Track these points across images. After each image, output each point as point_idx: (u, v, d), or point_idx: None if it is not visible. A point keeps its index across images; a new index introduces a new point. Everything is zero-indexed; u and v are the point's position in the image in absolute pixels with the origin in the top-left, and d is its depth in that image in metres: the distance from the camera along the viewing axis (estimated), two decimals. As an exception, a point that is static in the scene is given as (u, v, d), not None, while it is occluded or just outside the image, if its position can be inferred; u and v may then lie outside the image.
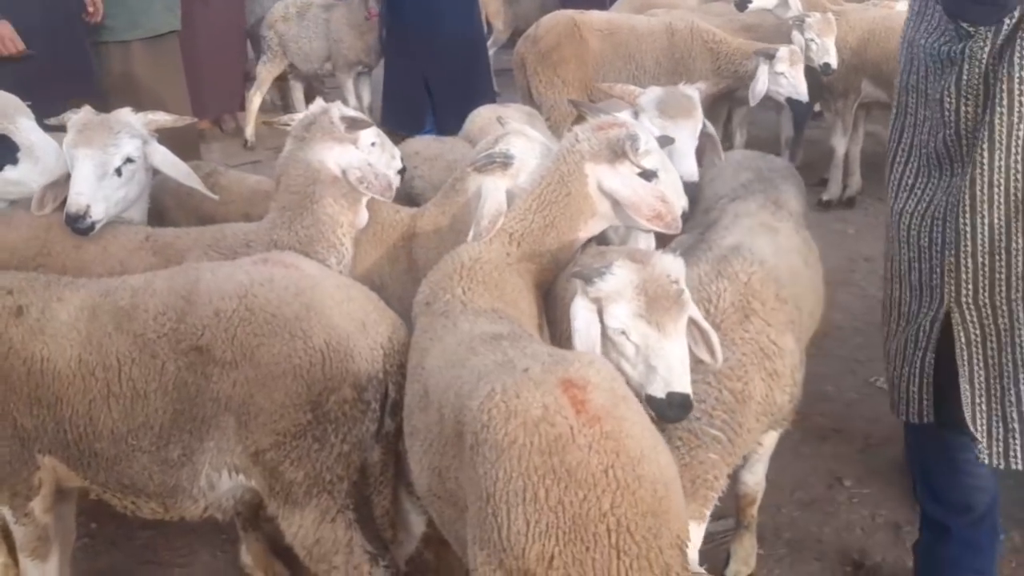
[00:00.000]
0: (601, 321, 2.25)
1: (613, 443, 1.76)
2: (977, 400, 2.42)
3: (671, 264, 2.31)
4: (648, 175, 2.63)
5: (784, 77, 5.42)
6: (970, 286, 2.36)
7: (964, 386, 2.41)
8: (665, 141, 3.10)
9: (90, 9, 5.18)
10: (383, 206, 2.99)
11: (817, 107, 7.15)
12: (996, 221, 2.30)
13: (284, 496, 2.43)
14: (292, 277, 2.43)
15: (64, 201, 2.87)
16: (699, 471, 2.40)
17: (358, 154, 2.83)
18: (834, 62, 5.59)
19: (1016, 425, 2.39)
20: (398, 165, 3.17)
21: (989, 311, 2.37)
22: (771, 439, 2.79)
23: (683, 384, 2.22)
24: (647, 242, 2.90)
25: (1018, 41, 2.19)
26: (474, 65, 6.85)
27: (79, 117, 2.95)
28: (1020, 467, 2.42)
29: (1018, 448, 2.41)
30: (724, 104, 6.51)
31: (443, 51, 6.63)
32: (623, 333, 2.25)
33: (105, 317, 2.44)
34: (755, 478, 2.86)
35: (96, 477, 2.50)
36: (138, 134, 3.00)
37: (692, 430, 2.39)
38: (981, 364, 2.41)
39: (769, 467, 3.67)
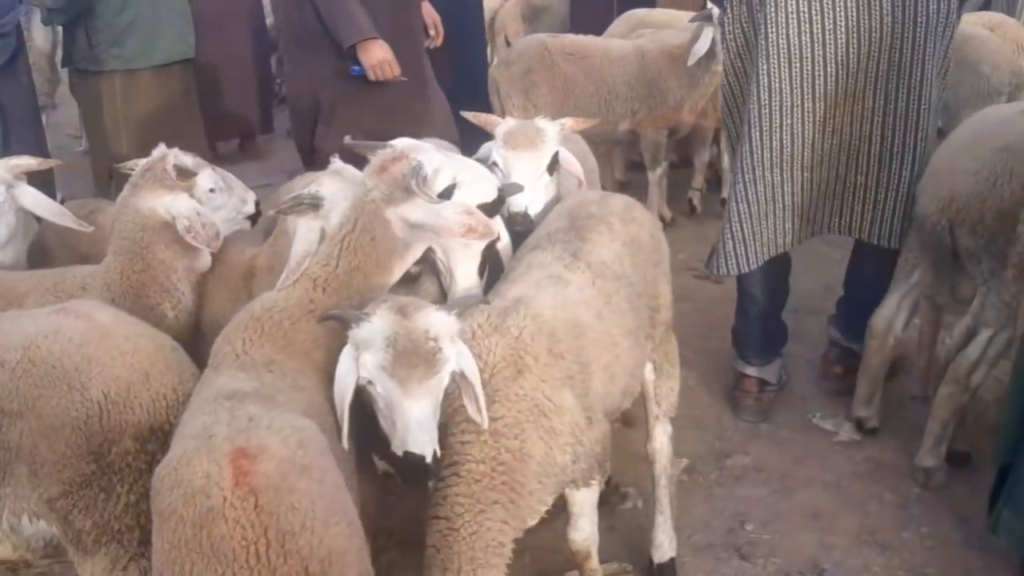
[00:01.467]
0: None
1: (266, 518, 1.74)
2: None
3: (436, 321, 2.27)
4: (447, 193, 2.61)
5: None
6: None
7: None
8: (513, 188, 3.05)
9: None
10: (228, 245, 3.02)
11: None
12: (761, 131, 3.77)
13: (76, 543, 2.45)
14: (79, 328, 2.45)
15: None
16: (487, 539, 2.33)
17: (188, 203, 2.86)
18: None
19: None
20: (249, 209, 3.19)
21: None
22: (582, 496, 2.69)
23: (418, 445, 2.18)
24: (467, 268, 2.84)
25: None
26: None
27: None
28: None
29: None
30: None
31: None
32: (371, 384, 2.24)
33: None
34: (582, 535, 2.75)
35: None
36: (0, 179, 3.09)
37: (472, 494, 2.33)
38: None
39: (676, 507, 3.60)
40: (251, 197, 3.21)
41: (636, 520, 3.66)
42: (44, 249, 3.43)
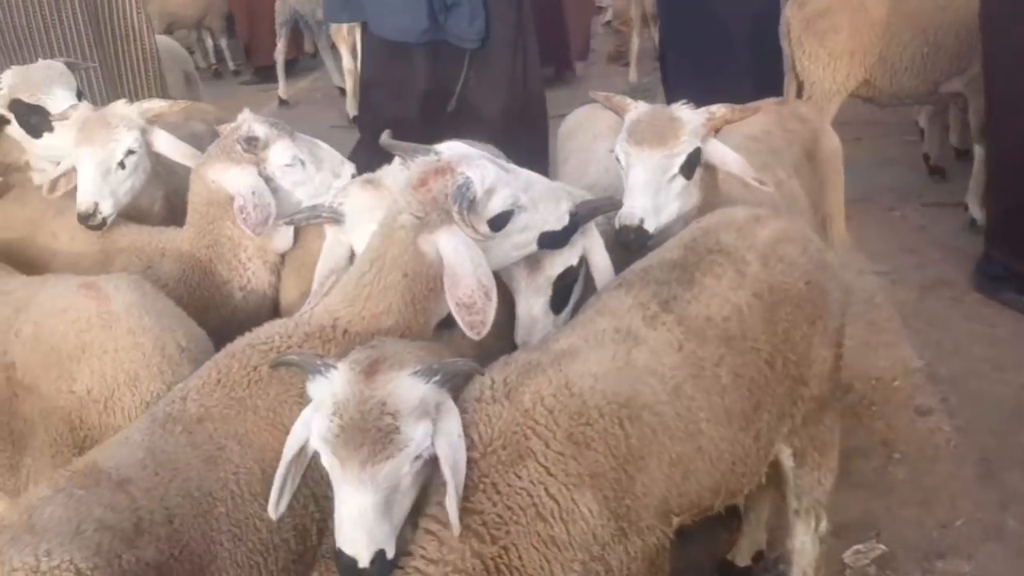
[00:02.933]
0: None
1: None
2: None
3: (401, 390, 1.78)
4: (502, 220, 2.09)
5: None
6: None
7: None
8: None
9: None
10: (309, 229, 2.69)
11: None
12: None
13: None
14: (89, 310, 2.28)
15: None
16: None
17: (250, 179, 2.57)
18: None
19: None
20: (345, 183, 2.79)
21: None
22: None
23: (350, 544, 1.75)
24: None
25: None
26: None
27: (78, 115, 2.96)
28: None
29: None
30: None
31: None
32: (317, 454, 1.82)
33: None
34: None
35: None
36: (135, 125, 2.97)
37: None
38: None
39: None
40: (347, 170, 2.81)
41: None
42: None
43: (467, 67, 4.35)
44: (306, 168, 2.70)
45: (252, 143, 2.60)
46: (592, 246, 2.34)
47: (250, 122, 2.65)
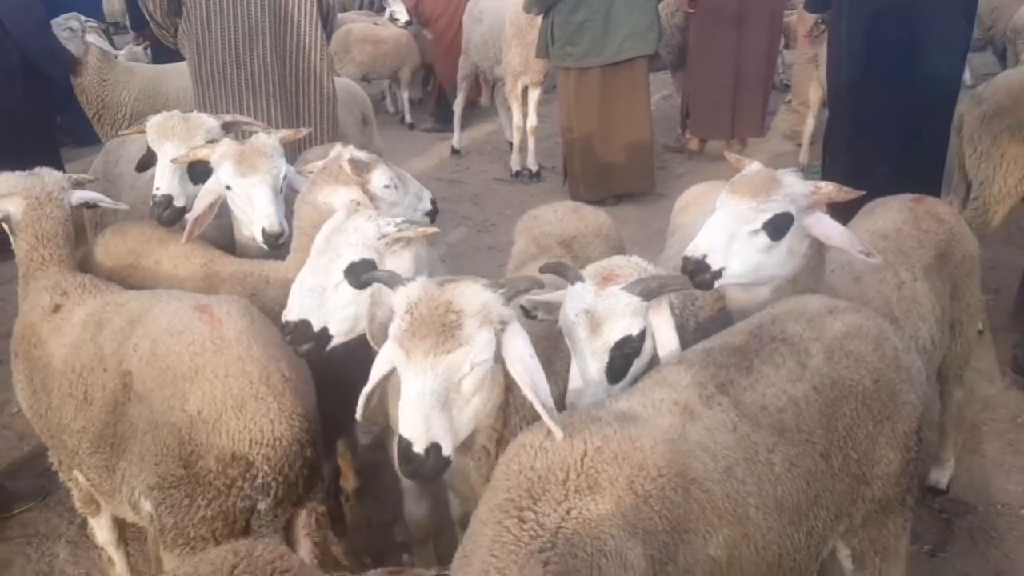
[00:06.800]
0: None
1: None
2: None
3: (467, 294, 2.00)
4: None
5: None
6: None
7: None
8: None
9: None
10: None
11: None
12: None
13: (160, 535, 2.52)
14: (204, 334, 2.44)
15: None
16: None
17: (357, 196, 2.78)
18: None
19: None
20: (425, 207, 3.07)
21: None
22: None
23: (408, 427, 1.91)
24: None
25: None
26: None
27: (228, 148, 3.11)
28: None
29: None
30: None
31: None
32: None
33: (96, 325, 2.68)
34: None
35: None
36: (281, 153, 3.15)
37: None
38: None
39: None
40: (427, 195, 3.10)
41: None
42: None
43: None
44: (398, 190, 2.96)
45: (358, 165, 2.83)
46: (660, 322, 2.33)
47: (351, 149, 2.89)
